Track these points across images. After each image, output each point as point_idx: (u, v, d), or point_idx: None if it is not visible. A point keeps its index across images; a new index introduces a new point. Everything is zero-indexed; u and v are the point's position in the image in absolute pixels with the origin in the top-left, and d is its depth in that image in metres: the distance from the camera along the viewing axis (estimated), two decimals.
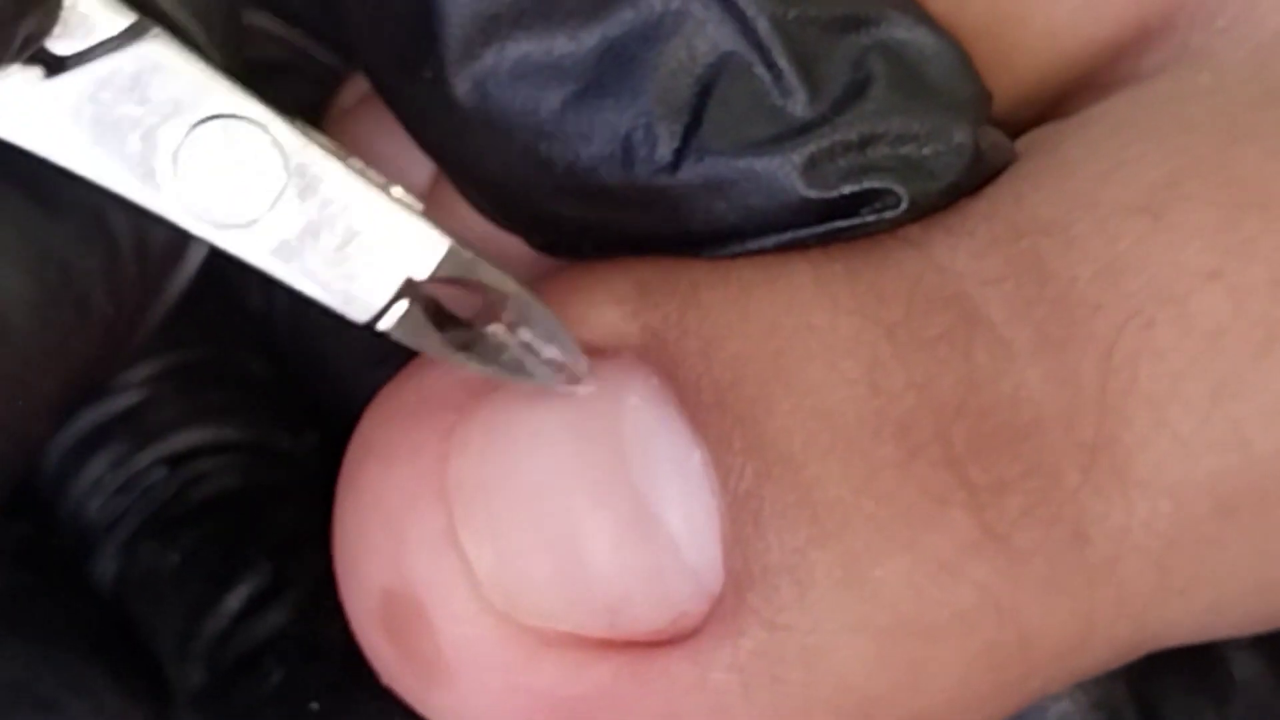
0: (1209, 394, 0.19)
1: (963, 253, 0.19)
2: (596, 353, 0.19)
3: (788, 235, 0.19)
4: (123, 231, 0.21)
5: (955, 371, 0.19)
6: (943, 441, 0.19)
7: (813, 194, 0.19)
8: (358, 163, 0.19)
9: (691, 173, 0.19)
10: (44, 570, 0.26)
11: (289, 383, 0.28)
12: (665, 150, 0.19)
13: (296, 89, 0.27)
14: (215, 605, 0.25)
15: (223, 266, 0.20)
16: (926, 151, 0.19)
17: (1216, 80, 0.21)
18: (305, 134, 0.19)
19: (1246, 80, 0.20)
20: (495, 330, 0.19)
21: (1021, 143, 0.21)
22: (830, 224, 0.19)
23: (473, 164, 0.20)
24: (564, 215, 0.20)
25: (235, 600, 0.25)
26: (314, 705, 0.23)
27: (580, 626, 0.19)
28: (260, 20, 0.26)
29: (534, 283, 0.19)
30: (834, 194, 0.19)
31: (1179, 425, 0.19)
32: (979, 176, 0.20)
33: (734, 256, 0.20)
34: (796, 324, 0.19)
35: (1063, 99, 0.22)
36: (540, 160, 0.19)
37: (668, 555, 0.19)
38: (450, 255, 0.19)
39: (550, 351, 0.19)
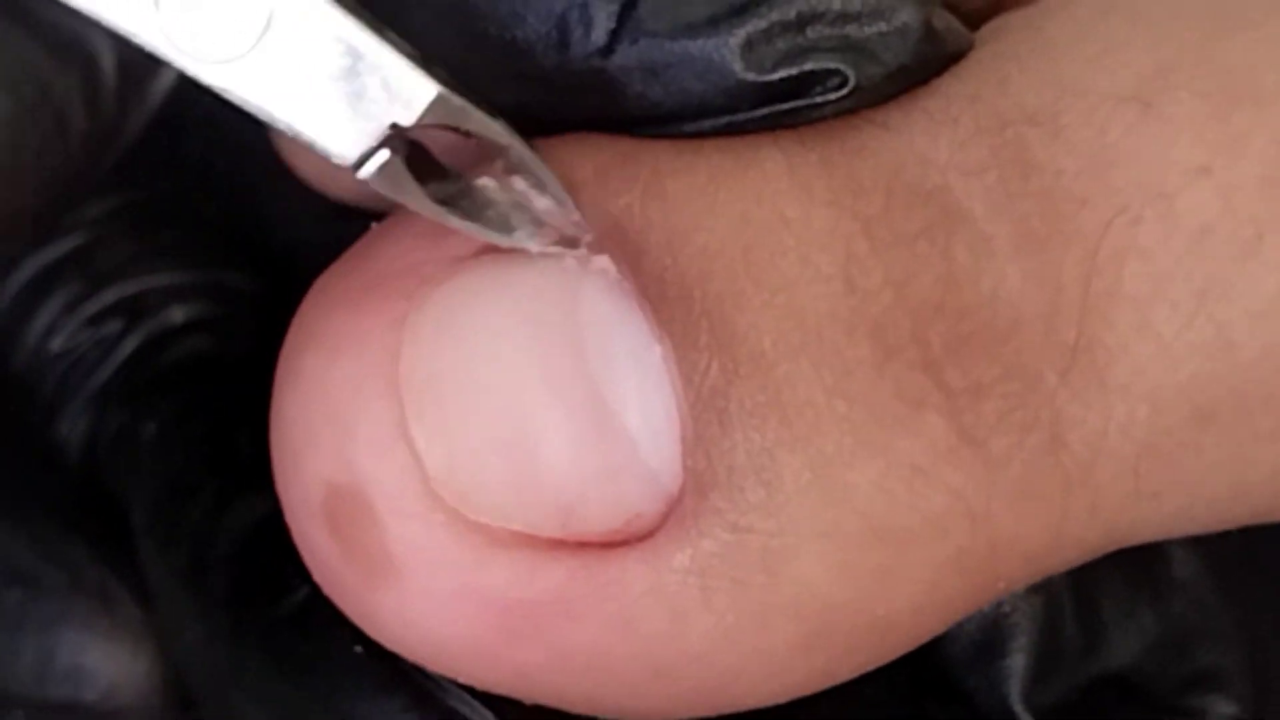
0: (1194, 295, 0.17)
1: (944, 141, 0.18)
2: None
3: (725, 119, 0.18)
4: (102, 47, 0.19)
5: (934, 269, 0.17)
6: (920, 342, 0.17)
7: (750, 77, 0.17)
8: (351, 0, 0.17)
9: (626, 56, 0.17)
10: (9, 436, 0.25)
11: (240, 226, 0.26)
12: (600, 32, 0.17)
13: None
14: (198, 487, 0.23)
15: (169, 114, 0.19)
16: (869, 32, 0.18)
17: None
18: None
19: None
20: (485, 184, 0.18)
21: (996, 24, 0.19)
22: (771, 107, 0.18)
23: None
24: (501, 100, 0.18)
25: (220, 481, 0.23)
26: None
27: (532, 526, 0.18)
28: None
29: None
30: (772, 77, 0.17)
31: (1162, 328, 0.17)
32: (933, 61, 0.18)
33: (696, 138, 0.18)
34: (769, 216, 0.18)
35: None
36: (474, 42, 0.18)
37: (624, 454, 0.17)
38: (438, 101, 0.17)
39: (542, 203, 0.18)
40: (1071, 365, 0.17)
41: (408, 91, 0.17)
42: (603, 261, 0.18)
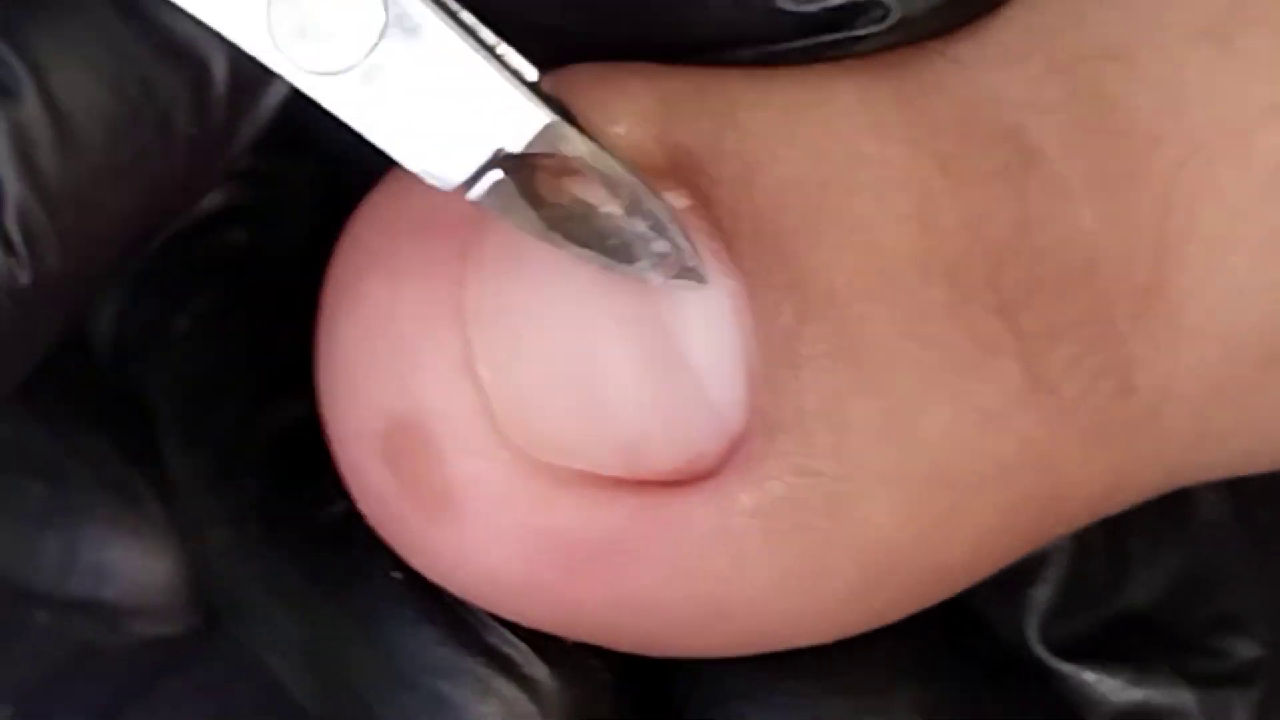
0: (1270, 235, 0.17)
1: (1019, 78, 0.17)
2: None
3: (765, 50, 0.17)
4: (215, 53, 0.19)
5: (1009, 211, 0.17)
6: (994, 285, 0.17)
7: (789, 5, 0.17)
8: (469, 17, 0.17)
9: None
10: None
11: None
12: None
13: None
14: (231, 386, 0.22)
15: None
16: None
17: None
18: None
19: None
20: (611, 211, 0.17)
21: None
22: (811, 39, 0.17)
23: None
24: (544, 25, 0.18)
25: (255, 382, 0.22)
26: (397, 574, 0.19)
27: (597, 464, 0.17)
28: None
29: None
30: (812, 8, 0.17)
31: (1236, 270, 0.17)
32: None
33: (769, 69, 0.18)
34: (845, 151, 0.17)
35: None
36: None
37: (690, 392, 0.17)
38: (548, 131, 0.16)
39: (659, 246, 0.17)
40: (1145, 308, 0.17)
41: (517, 118, 0.16)
42: (672, 191, 0.17)
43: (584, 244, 0.17)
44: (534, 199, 0.17)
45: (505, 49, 0.17)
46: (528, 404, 0.17)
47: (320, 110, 0.17)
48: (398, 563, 0.19)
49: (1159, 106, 0.17)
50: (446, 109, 0.16)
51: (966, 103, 0.17)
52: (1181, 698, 0.21)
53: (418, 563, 0.18)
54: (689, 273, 0.17)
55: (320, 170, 0.25)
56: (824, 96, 0.17)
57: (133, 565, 0.23)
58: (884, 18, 0.17)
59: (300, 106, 0.24)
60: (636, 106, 0.18)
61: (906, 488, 0.17)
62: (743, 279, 0.17)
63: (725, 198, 0.17)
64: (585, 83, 0.18)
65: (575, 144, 0.17)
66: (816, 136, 0.17)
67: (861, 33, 0.17)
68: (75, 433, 0.23)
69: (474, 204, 0.17)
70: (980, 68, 0.17)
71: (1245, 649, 0.21)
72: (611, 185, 0.17)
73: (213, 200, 0.24)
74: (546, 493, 0.17)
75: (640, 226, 0.17)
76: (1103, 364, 0.17)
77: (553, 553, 0.17)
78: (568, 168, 0.17)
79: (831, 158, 0.17)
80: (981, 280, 0.17)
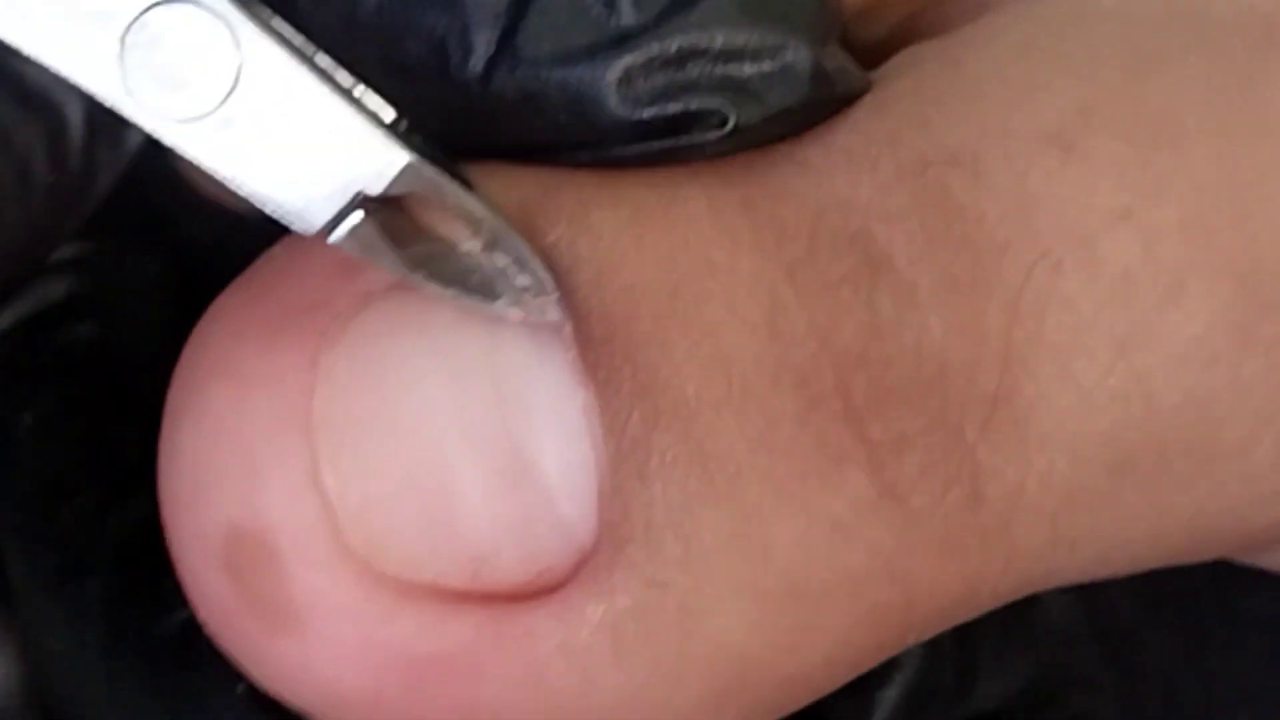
0: (1115, 344, 0.17)
1: (866, 184, 0.17)
2: None
3: (601, 153, 0.17)
4: (70, 100, 0.19)
5: (858, 318, 0.17)
6: (843, 394, 0.17)
7: (623, 113, 0.17)
8: (326, 60, 0.17)
9: (503, 84, 0.17)
10: None
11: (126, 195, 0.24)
12: (478, 58, 0.17)
13: None
14: (76, 488, 0.22)
15: None
16: (750, 71, 0.17)
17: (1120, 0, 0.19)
18: (266, 25, 0.16)
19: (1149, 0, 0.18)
20: (471, 248, 0.17)
21: (910, 56, 0.19)
22: (646, 144, 0.17)
23: None
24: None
25: (100, 485, 0.22)
26: (240, 687, 0.19)
27: (443, 576, 0.17)
28: None
29: None
30: (646, 114, 0.17)
31: (1083, 377, 0.17)
32: (821, 104, 0.18)
33: (619, 169, 0.17)
34: (694, 258, 0.17)
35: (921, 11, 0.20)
36: (361, 62, 0.17)
37: (540, 504, 0.17)
38: (408, 171, 0.16)
39: (521, 280, 0.17)
40: (993, 417, 0.17)
41: (376, 159, 0.16)
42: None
43: (446, 283, 0.17)
44: (395, 239, 0.17)
45: (363, 90, 0.17)
46: (373, 516, 0.17)
47: (179, 160, 0.17)
48: (242, 676, 0.18)
49: (1005, 213, 0.17)
50: (305, 152, 0.16)
51: (814, 208, 0.17)
52: None
53: (259, 676, 0.18)
54: (544, 314, 0.17)
55: (169, 261, 0.24)
56: (671, 200, 0.17)
57: None
58: (721, 125, 0.17)
59: (144, 194, 0.23)
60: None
61: (757, 598, 0.17)
62: (594, 388, 0.17)
63: (579, 305, 0.17)
64: None
65: (435, 184, 0.17)
66: (666, 242, 0.17)
67: (698, 140, 0.17)
68: None
69: (335, 247, 0.16)
70: (827, 172, 0.17)
71: None
72: (472, 222, 0.17)
73: (56, 290, 0.24)
74: (390, 606, 0.17)
75: (502, 261, 0.17)
76: (951, 473, 0.17)
77: (396, 667, 0.17)
78: (428, 206, 0.17)
79: (681, 264, 0.17)
80: (830, 388, 0.17)
